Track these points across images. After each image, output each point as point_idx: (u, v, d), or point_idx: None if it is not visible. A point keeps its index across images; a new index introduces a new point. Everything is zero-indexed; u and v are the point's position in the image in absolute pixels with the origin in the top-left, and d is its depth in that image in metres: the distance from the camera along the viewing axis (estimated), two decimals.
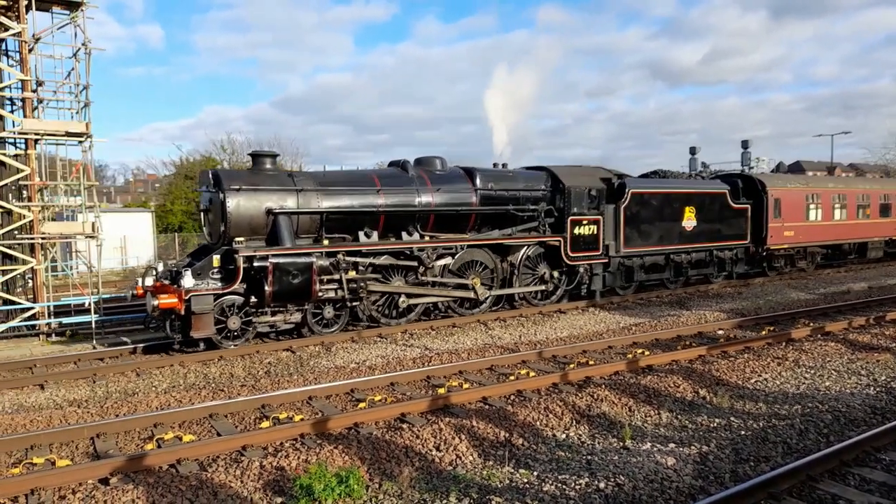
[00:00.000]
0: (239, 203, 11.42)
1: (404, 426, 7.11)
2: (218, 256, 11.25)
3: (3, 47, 13.81)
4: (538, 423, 7.32)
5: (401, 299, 12.96)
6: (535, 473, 6.01)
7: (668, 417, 7.64)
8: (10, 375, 10.19)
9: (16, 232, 13.67)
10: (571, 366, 9.94)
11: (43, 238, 13.67)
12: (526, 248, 14.73)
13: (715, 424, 7.32)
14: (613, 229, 15.93)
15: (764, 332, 12.18)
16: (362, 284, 12.29)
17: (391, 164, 14.54)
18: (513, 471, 6.10)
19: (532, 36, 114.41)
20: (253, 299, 11.32)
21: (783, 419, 7.39)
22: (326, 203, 12.26)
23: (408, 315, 13.28)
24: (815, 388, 8.61)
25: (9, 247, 13.56)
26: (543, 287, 15.09)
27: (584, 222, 15.27)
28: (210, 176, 11.95)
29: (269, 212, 11.62)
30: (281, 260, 11.12)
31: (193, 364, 10.48)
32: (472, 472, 6.11)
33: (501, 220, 14.57)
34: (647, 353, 10.65)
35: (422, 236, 13.39)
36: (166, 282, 11.37)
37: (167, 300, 10.69)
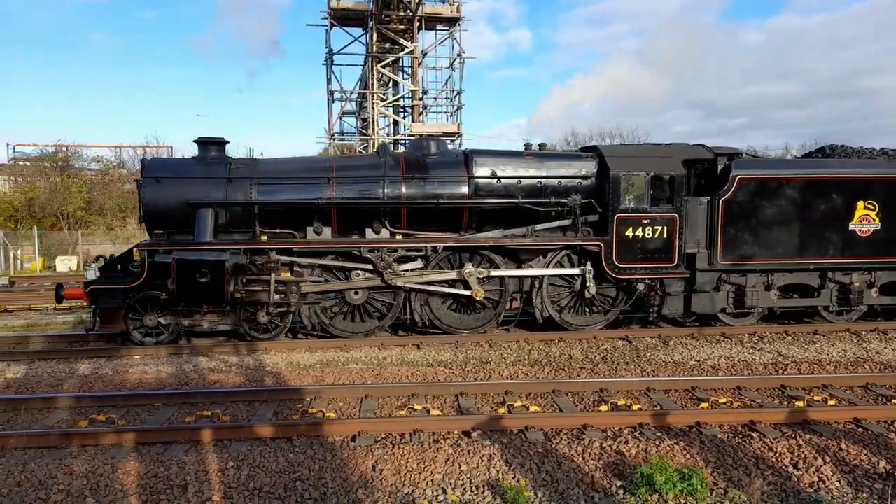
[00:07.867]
0: (155, 194, 10.74)
1: (754, 435, 6.59)
2: (137, 250, 10.95)
3: (400, 64, 16.81)
4: None
5: (352, 294, 11.21)
6: None
7: None
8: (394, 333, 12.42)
9: None
10: None
11: None
12: (553, 253, 11.54)
13: None
14: (706, 231, 11.54)
15: None
16: (293, 287, 10.90)
17: (378, 149, 12.64)
18: None
19: None
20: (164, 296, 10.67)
21: None
22: (260, 195, 10.97)
23: (380, 324, 11.55)
24: None
25: None
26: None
27: (643, 221, 11.24)
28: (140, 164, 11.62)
29: (187, 203, 10.73)
30: (186, 256, 10.36)
31: (537, 342, 11.31)
32: (839, 501, 5.36)
33: (512, 215, 11.49)
34: None
35: (392, 234, 11.36)
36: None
37: (73, 291, 10.79)
